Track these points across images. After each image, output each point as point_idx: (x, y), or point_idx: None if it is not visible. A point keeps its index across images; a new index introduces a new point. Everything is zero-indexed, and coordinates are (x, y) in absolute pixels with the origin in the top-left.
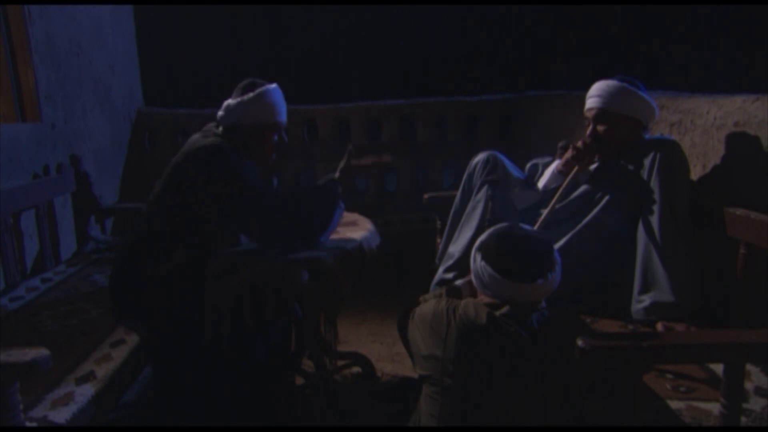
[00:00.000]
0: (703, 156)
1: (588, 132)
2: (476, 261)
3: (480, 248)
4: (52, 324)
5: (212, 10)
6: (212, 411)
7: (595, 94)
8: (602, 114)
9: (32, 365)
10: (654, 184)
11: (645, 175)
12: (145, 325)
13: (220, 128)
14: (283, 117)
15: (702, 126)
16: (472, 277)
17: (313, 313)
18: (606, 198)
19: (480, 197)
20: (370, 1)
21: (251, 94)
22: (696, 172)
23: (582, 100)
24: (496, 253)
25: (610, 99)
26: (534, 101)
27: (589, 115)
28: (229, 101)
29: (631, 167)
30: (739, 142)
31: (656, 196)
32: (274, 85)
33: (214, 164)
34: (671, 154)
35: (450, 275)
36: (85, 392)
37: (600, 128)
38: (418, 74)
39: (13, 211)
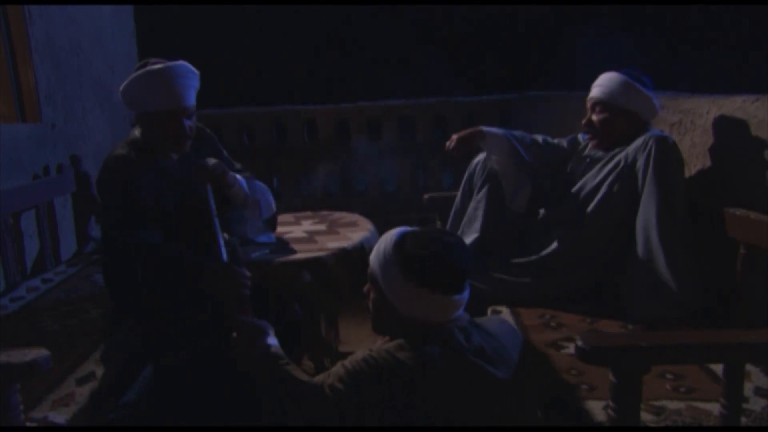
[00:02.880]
0: (703, 156)
1: (584, 121)
2: (404, 286)
3: (408, 270)
4: (52, 324)
5: (212, 10)
6: (212, 411)
7: (597, 84)
8: (599, 104)
9: (32, 365)
10: (649, 183)
11: (640, 173)
12: (144, 325)
13: None
14: (173, 104)
15: (702, 126)
16: (396, 302)
17: (313, 313)
18: (600, 196)
19: (482, 196)
20: (370, 1)
21: (126, 81)
22: (696, 172)
23: (581, 100)
24: (431, 269)
25: (608, 90)
26: (534, 101)
27: (588, 104)
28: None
29: (623, 161)
30: (739, 142)
31: (653, 196)
32: (158, 67)
33: (97, 183)
34: (666, 153)
35: None
36: (85, 392)
37: (595, 118)
38: (419, 74)
39: (13, 212)
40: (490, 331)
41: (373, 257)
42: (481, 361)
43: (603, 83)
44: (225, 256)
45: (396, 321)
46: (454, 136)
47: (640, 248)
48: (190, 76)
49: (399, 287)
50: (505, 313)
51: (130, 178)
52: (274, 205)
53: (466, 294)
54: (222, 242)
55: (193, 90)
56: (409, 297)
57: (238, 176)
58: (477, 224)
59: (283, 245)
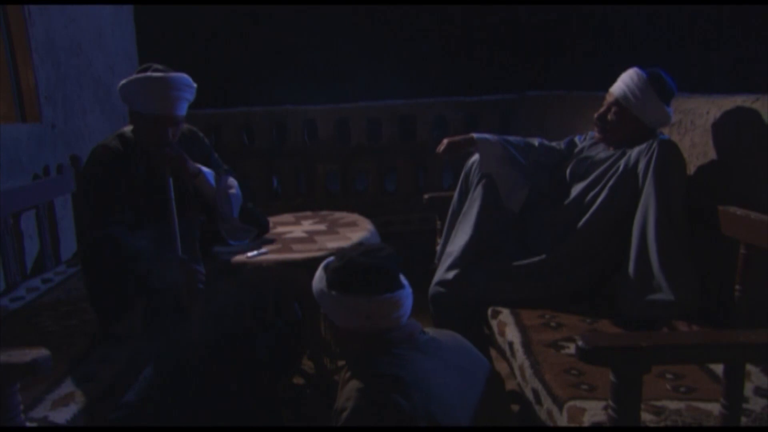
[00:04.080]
0: (703, 156)
1: (597, 114)
2: (333, 300)
3: (330, 284)
4: (52, 324)
5: (212, 11)
6: (212, 411)
7: (621, 79)
8: (616, 105)
9: (32, 365)
10: (649, 183)
11: (641, 174)
12: (137, 328)
13: None
14: (162, 111)
15: (702, 126)
16: (336, 320)
17: (313, 313)
18: (602, 199)
19: (476, 195)
20: (370, 1)
21: (126, 80)
22: (696, 172)
23: (581, 101)
24: (348, 274)
25: (630, 95)
26: (534, 101)
27: (606, 97)
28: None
29: (623, 164)
30: (739, 142)
31: (652, 195)
32: (158, 75)
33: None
34: (667, 154)
35: (450, 275)
36: (85, 392)
37: (609, 116)
38: (418, 74)
39: (14, 212)
40: (446, 337)
41: (313, 286)
42: (447, 356)
43: (627, 83)
44: (180, 248)
45: (348, 339)
46: (446, 140)
47: (635, 249)
48: (185, 89)
49: (330, 303)
50: (505, 313)
51: (109, 168)
52: (240, 200)
53: (400, 293)
54: (178, 234)
55: (185, 102)
56: (341, 308)
57: (204, 169)
58: (470, 222)
59: (260, 245)
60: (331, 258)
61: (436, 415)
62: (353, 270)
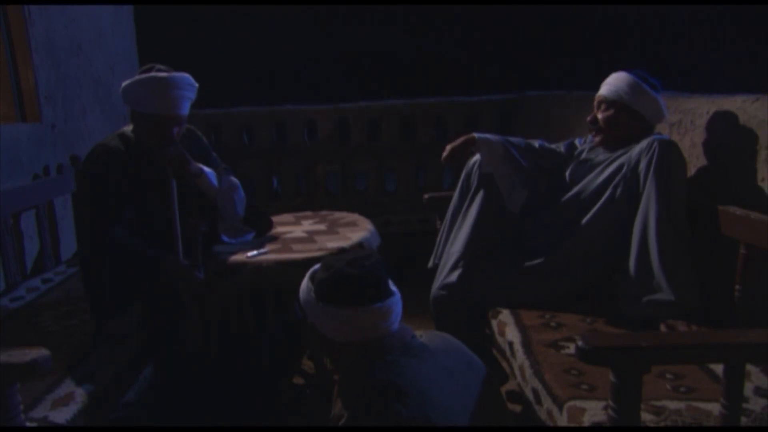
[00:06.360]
0: (703, 156)
1: (589, 117)
2: (321, 311)
3: (318, 295)
4: (52, 324)
5: (212, 11)
6: (212, 411)
7: (606, 82)
8: (605, 102)
9: (32, 365)
10: (650, 183)
11: (641, 174)
12: (133, 326)
13: None
14: (167, 111)
15: (702, 126)
16: (326, 331)
17: None
18: (604, 199)
19: (477, 194)
20: (372, 2)
21: (129, 81)
22: (696, 173)
23: (581, 101)
24: (334, 286)
25: (615, 89)
26: (534, 101)
27: (595, 101)
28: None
29: (626, 164)
30: (739, 143)
31: (652, 195)
32: (162, 75)
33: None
34: (668, 154)
35: (454, 276)
36: (85, 392)
37: (600, 116)
38: (418, 74)
39: (14, 212)
40: (439, 340)
41: (300, 296)
42: (445, 358)
43: (611, 82)
44: (181, 251)
45: (339, 349)
46: (448, 147)
47: (636, 248)
48: (188, 89)
49: (319, 314)
50: (505, 313)
51: (109, 167)
52: (244, 200)
53: (390, 301)
54: (179, 238)
55: (188, 101)
56: (330, 320)
57: (206, 169)
58: (471, 221)
59: (260, 245)
60: (317, 267)
61: (434, 420)
62: (341, 281)
